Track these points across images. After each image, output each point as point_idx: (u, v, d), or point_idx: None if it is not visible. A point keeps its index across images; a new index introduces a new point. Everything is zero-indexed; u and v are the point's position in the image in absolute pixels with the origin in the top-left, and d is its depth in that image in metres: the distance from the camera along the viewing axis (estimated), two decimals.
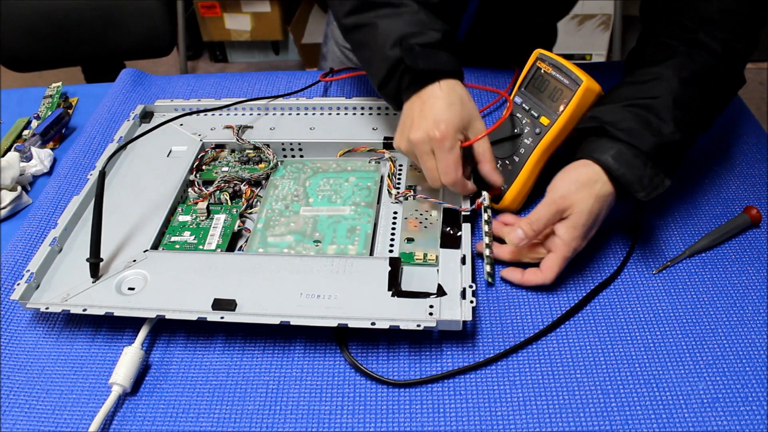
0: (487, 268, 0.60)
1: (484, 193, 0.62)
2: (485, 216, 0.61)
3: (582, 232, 0.57)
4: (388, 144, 0.70)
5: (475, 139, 0.60)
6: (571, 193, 0.57)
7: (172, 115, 0.77)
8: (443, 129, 0.57)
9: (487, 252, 0.60)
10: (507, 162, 0.65)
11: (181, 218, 0.65)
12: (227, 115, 0.76)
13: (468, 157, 0.61)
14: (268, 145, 0.71)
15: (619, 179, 0.57)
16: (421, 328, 0.51)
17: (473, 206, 0.61)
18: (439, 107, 0.58)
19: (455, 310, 0.53)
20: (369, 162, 0.70)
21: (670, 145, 0.58)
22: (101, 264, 0.57)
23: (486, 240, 0.60)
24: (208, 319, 0.53)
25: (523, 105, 0.64)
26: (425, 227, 0.61)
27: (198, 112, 0.75)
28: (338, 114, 0.75)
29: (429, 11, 0.61)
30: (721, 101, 0.63)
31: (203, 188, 0.68)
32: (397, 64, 0.59)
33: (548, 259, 0.58)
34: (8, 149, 0.79)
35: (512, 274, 0.59)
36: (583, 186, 0.57)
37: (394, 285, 0.55)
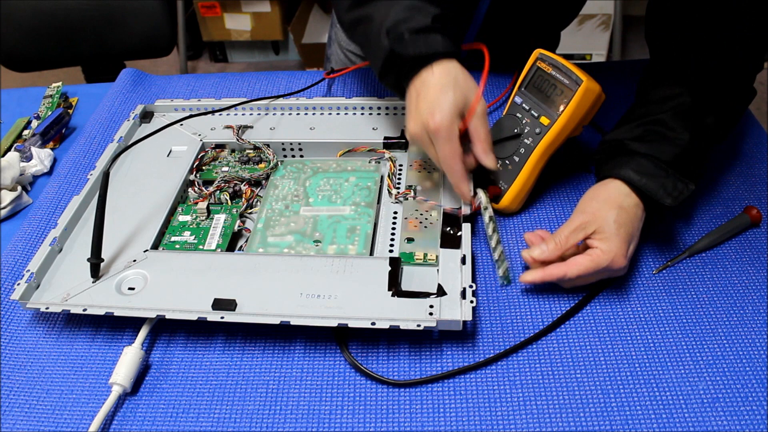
0: (500, 271, 0.59)
1: (480, 193, 0.61)
2: (486, 217, 0.61)
3: (616, 243, 0.55)
4: (388, 144, 0.70)
5: (469, 117, 0.57)
6: (594, 209, 0.57)
7: (173, 115, 0.77)
8: (437, 119, 0.56)
9: (496, 255, 0.60)
10: (507, 162, 0.65)
11: (181, 218, 0.65)
12: (227, 115, 0.76)
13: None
14: (268, 145, 0.71)
15: (642, 189, 0.57)
16: (421, 328, 0.51)
17: (472, 210, 0.61)
18: (433, 95, 0.57)
19: (455, 310, 0.53)
20: (369, 162, 0.70)
21: (689, 153, 0.59)
22: (101, 264, 0.57)
23: (493, 242, 0.60)
24: (208, 319, 0.53)
25: (523, 105, 0.64)
26: (425, 227, 0.61)
27: (201, 114, 0.75)
28: (338, 114, 0.75)
29: None
30: (733, 113, 0.64)
31: (203, 188, 0.68)
32: (390, 53, 0.59)
33: (579, 257, 0.56)
34: (8, 149, 0.79)
35: (533, 273, 0.57)
36: (605, 200, 0.58)
37: (394, 285, 0.55)
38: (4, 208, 0.70)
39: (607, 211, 0.56)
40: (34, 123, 0.83)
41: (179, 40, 2.08)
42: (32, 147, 0.77)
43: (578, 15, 0.91)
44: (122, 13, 1.30)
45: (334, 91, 0.85)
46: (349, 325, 0.51)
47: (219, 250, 0.61)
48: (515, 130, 0.64)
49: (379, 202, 0.66)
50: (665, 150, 0.58)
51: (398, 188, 0.66)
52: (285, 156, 0.73)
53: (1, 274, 0.62)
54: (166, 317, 0.53)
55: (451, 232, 0.60)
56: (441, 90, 0.57)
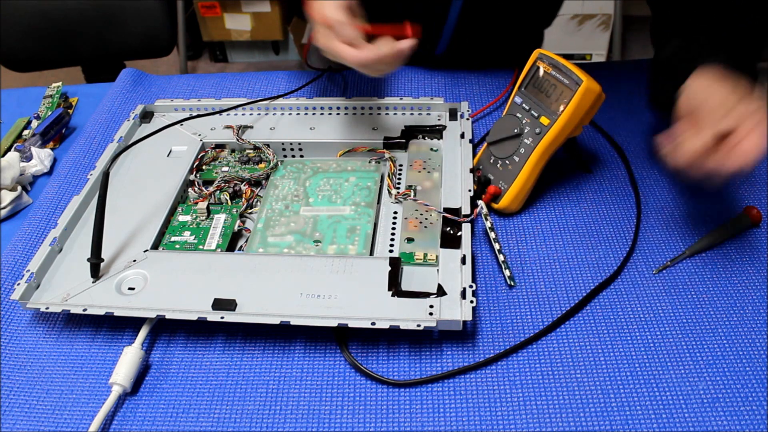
0: (507, 272, 0.60)
1: (480, 202, 0.62)
2: (488, 224, 0.62)
3: (761, 103, 0.51)
4: (388, 144, 0.70)
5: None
6: (718, 89, 0.54)
7: (173, 115, 0.77)
8: (317, 11, 0.59)
9: (501, 258, 0.60)
10: (507, 162, 0.65)
11: (181, 218, 0.65)
12: (227, 115, 0.76)
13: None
14: (268, 145, 0.71)
15: (738, 70, 0.56)
16: (421, 328, 0.51)
17: (471, 215, 0.61)
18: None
19: (455, 310, 0.53)
20: (369, 162, 0.70)
21: (745, 52, 0.64)
22: (101, 264, 0.57)
23: (497, 246, 0.61)
24: (208, 319, 0.53)
25: (523, 105, 0.64)
26: (425, 227, 0.61)
27: (202, 115, 0.75)
28: (338, 114, 0.75)
29: None
30: (756, 46, 0.66)
31: (203, 188, 0.68)
32: None
33: (751, 136, 0.49)
34: (8, 149, 0.79)
35: (712, 160, 0.50)
36: (720, 83, 0.55)
37: (394, 285, 0.55)
38: (4, 208, 0.70)
39: (734, 86, 0.53)
40: (34, 123, 0.83)
41: (179, 40, 2.08)
42: (32, 147, 0.77)
43: (576, 12, 0.92)
44: (122, 13, 1.30)
45: (334, 91, 0.85)
46: (349, 325, 0.51)
47: (219, 250, 0.61)
48: (515, 130, 0.64)
49: (379, 202, 0.66)
50: (718, 55, 0.59)
51: (398, 188, 0.66)
52: (285, 156, 0.73)
53: (1, 274, 0.62)
54: (166, 317, 0.53)
55: (451, 232, 0.60)
56: None
